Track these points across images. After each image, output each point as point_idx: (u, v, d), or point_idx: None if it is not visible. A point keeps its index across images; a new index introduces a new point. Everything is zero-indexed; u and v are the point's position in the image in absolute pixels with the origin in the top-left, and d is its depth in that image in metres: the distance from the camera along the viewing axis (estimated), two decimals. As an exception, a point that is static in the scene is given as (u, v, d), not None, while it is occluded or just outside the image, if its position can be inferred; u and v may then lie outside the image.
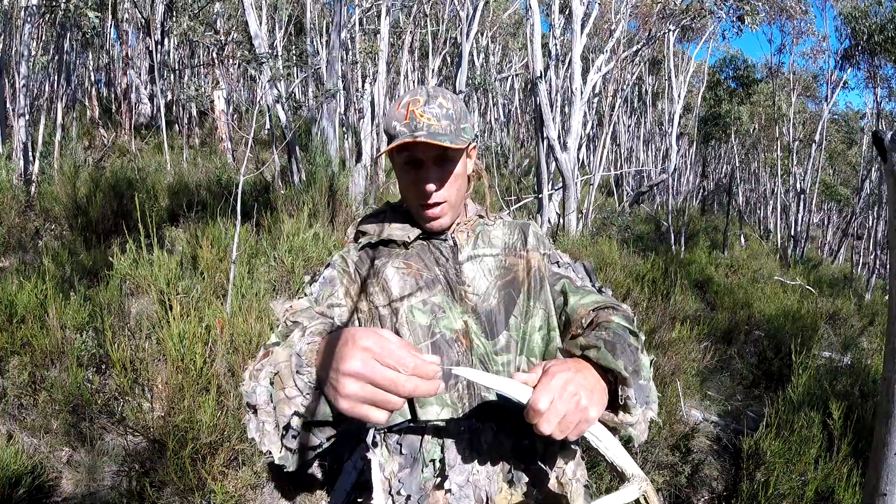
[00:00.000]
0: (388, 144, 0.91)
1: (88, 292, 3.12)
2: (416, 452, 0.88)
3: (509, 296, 0.94)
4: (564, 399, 0.66)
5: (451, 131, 0.89)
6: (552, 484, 0.88)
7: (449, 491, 0.85)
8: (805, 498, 2.27)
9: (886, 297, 3.12)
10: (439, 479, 0.86)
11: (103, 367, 2.69)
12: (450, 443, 0.87)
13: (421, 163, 0.90)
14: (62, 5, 5.52)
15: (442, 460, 0.86)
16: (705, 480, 2.66)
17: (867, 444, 2.39)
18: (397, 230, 0.98)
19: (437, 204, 0.92)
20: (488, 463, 0.87)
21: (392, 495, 0.87)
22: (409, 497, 0.87)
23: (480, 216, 1.02)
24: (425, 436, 0.88)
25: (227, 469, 2.17)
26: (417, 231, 0.97)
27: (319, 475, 0.95)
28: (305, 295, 0.95)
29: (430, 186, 0.89)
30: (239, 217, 3.07)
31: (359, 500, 0.91)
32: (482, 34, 14.57)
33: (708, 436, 3.12)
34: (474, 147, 0.98)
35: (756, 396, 3.76)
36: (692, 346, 3.78)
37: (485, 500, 0.86)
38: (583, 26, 7.07)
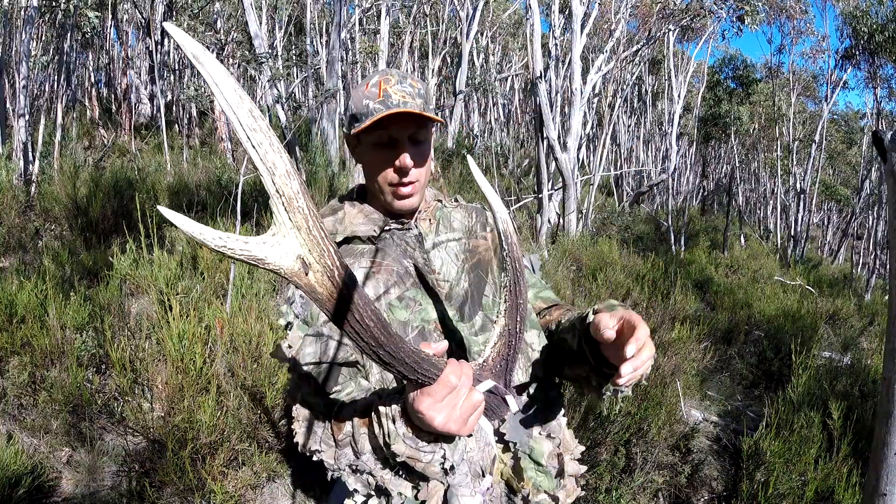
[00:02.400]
0: (357, 125, 0.87)
1: (88, 292, 3.12)
2: None
3: (479, 277, 0.95)
4: (648, 349, 0.71)
5: (424, 110, 0.87)
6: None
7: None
8: (805, 498, 2.27)
9: (886, 297, 3.12)
10: None
11: (103, 367, 2.69)
12: None
13: (395, 141, 0.87)
14: (62, 5, 5.52)
15: None
16: (705, 480, 2.66)
17: (867, 444, 2.39)
18: (360, 225, 0.93)
19: (411, 183, 0.89)
20: (476, 439, 0.88)
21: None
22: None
23: (439, 200, 1.00)
24: None
25: (226, 469, 2.17)
26: (381, 223, 0.93)
27: None
28: (291, 323, 0.88)
29: (409, 161, 0.86)
30: (239, 217, 3.07)
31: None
32: (482, 34, 14.58)
33: (708, 436, 3.12)
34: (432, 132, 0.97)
35: (756, 396, 3.75)
36: (692, 347, 3.78)
37: (481, 475, 0.88)
38: (583, 26, 7.07)
